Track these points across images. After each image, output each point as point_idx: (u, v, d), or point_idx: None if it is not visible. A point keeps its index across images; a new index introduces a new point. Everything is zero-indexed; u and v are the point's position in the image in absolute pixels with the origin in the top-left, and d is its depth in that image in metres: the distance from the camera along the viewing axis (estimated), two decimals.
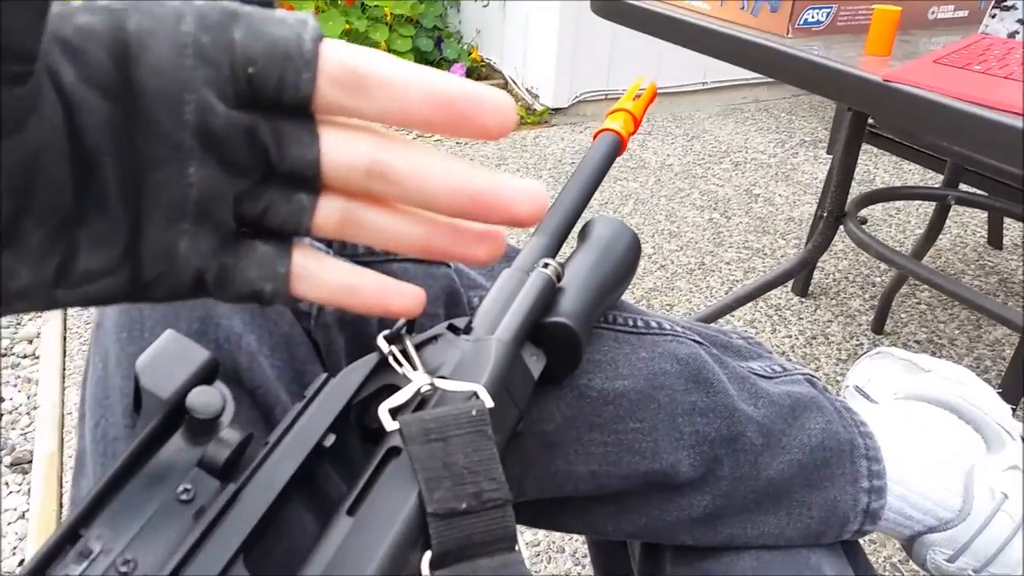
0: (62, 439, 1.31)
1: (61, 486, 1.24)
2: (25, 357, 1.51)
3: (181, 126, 0.24)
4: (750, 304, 1.73)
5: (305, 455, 0.33)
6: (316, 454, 0.33)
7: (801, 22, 0.87)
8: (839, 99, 1.05)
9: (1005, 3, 0.86)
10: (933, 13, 0.96)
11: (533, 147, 2.56)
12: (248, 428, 0.33)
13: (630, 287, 1.83)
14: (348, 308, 0.28)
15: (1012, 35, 0.85)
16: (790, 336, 1.66)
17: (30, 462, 1.27)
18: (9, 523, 1.18)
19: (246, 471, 0.31)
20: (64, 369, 1.46)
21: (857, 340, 1.65)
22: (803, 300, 1.79)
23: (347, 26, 2.63)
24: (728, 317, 1.69)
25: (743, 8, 0.90)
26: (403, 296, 0.28)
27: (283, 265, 0.27)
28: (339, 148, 0.25)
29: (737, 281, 1.85)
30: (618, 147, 0.54)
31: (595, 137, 0.55)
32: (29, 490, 1.23)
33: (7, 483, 1.24)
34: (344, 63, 0.24)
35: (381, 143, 0.26)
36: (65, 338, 1.54)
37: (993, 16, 0.86)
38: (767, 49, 0.85)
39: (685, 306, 1.75)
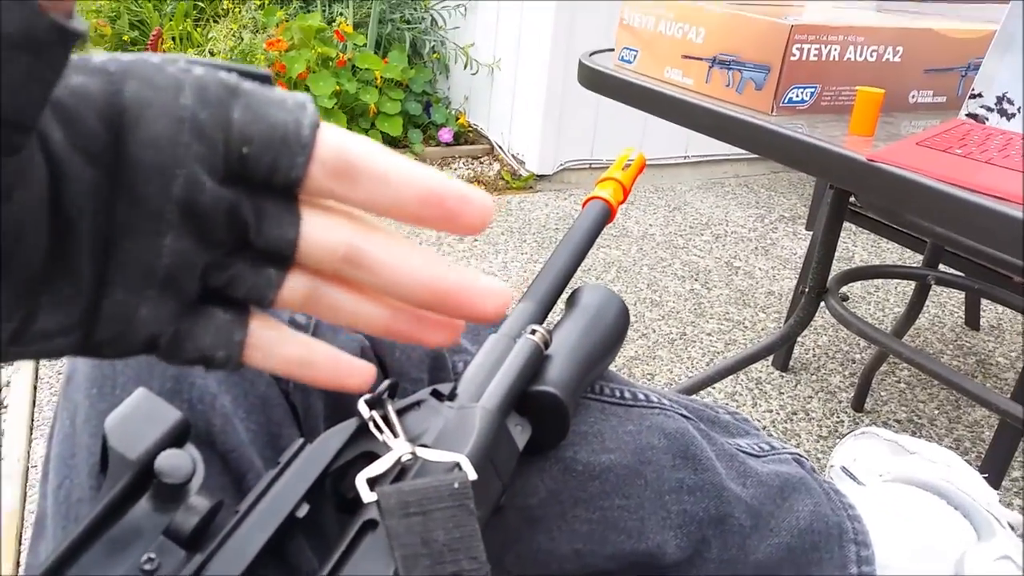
0: (25, 495, 1.26)
1: (20, 544, 1.18)
2: None
3: (167, 199, 0.23)
4: (731, 377, 1.72)
5: (277, 526, 0.31)
6: (288, 525, 0.32)
7: (785, 101, 0.89)
8: (824, 177, 1.07)
9: (974, 92, 0.89)
10: (914, 97, 0.99)
11: (518, 211, 2.58)
12: (219, 494, 0.32)
13: None
14: (301, 381, 0.28)
15: (981, 119, 0.88)
16: (771, 411, 1.65)
17: None
18: None
19: (214, 541, 0.29)
20: (32, 420, 1.42)
21: (837, 417, 1.64)
22: (783, 375, 1.78)
23: (337, 87, 2.67)
24: (709, 389, 1.68)
25: (728, 85, 0.92)
26: (356, 374, 0.28)
27: (239, 334, 0.26)
28: (320, 232, 0.25)
29: (718, 353, 1.85)
30: (607, 215, 0.54)
31: (584, 204, 0.54)
32: None
33: None
34: (339, 152, 0.24)
35: (362, 231, 0.26)
36: (36, 388, 1.50)
37: (969, 102, 0.89)
38: (753, 126, 0.87)
39: (666, 376, 1.74)
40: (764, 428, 1.59)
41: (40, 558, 0.38)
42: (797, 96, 0.90)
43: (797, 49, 0.87)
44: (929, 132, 0.85)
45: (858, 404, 1.67)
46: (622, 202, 0.56)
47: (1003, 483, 1.46)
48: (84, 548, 0.27)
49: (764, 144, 0.86)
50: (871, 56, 0.93)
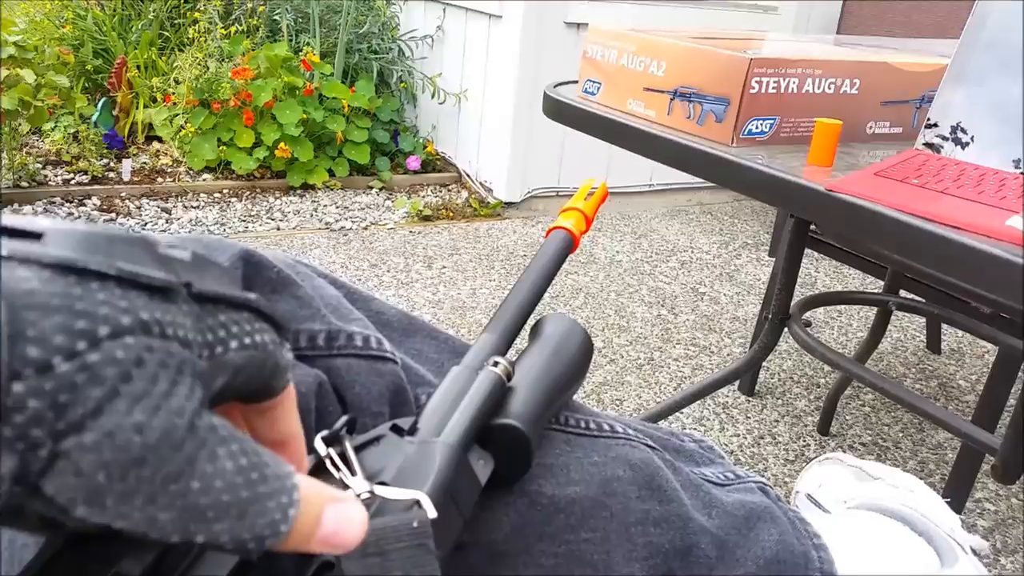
0: None
1: None
2: None
3: None
4: (698, 402, 1.73)
5: (231, 568, 0.30)
6: (244, 569, 0.31)
7: (745, 132, 0.90)
8: (784, 207, 1.09)
9: (929, 122, 0.91)
10: (871, 128, 1.01)
11: (486, 239, 2.59)
12: None
13: None
14: None
15: (936, 148, 0.90)
16: (738, 435, 1.66)
17: None
18: None
19: None
20: None
21: (804, 441, 1.65)
22: (750, 399, 1.79)
23: (304, 115, 2.66)
24: (677, 415, 1.68)
25: (689, 117, 0.94)
26: None
27: None
28: None
29: (685, 378, 1.86)
30: (570, 245, 0.54)
31: (548, 234, 0.54)
32: None
33: None
34: None
35: None
36: None
37: (925, 132, 0.91)
38: (714, 157, 0.88)
39: (635, 401, 1.74)
40: (731, 452, 1.60)
41: None
42: (757, 128, 0.91)
43: (756, 82, 0.88)
44: (887, 162, 0.87)
45: (824, 428, 1.69)
46: (585, 232, 0.56)
47: (967, 504, 1.48)
48: None
49: (725, 175, 0.87)
50: (829, 88, 0.95)
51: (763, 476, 1.55)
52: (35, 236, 0.22)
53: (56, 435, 0.20)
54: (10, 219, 0.23)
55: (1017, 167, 0.84)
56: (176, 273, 0.24)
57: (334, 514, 0.26)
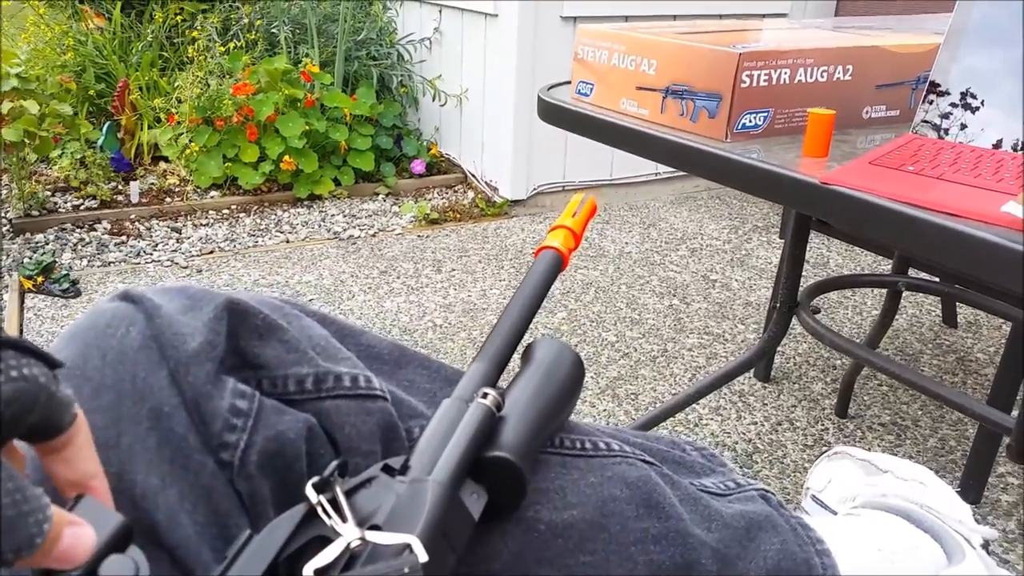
0: None
1: None
2: None
3: None
4: (715, 392, 1.73)
5: None
6: None
7: (739, 127, 0.90)
8: (780, 201, 1.08)
9: (930, 97, 0.90)
10: (867, 113, 1.00)
11: (494, 238, 2.59)
12: None
13: (595, 375, 1.82)
14: None
15: (935, 128, 0.89)
16: (755, 423, 1.65)
17: None
18: None
19: None
20: None
21: (822, 424, 1.65)
22: (766, 385, 1.79)
23: (307, 127, 2.68)
24: (694, 406, 1.68)
25: (682, 114, 0.93)
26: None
27: None
28: None
29: (700, 368, 1.86)
30: (559, 264, 0.54)
31: (536, 254, 0.55)
32: None
33: None
34: None
35: None
36: None
37: (927, 106, 0.90)
38: (708, 154, 0.88)
39: (650, 395, 1.74)
40: (750, 440, 1.59)
41: None
42: (750, 121, 0.91)
43: (747, 76, 0.88)
44: (882, 150, 0.86)
45: (841, 410, 1.68)
46: (574, 248, 0.56)
47: (988, 479, 1.47)
48: None
49: (720, 171, 0.87)
50: (822, 76, 0.94)
51: (782, 462, 1.55)
52: None
53: None
54: None
55: (1016, 148, 0.83)
56: None
57: (70, 533, 0.30)
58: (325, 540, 0.35)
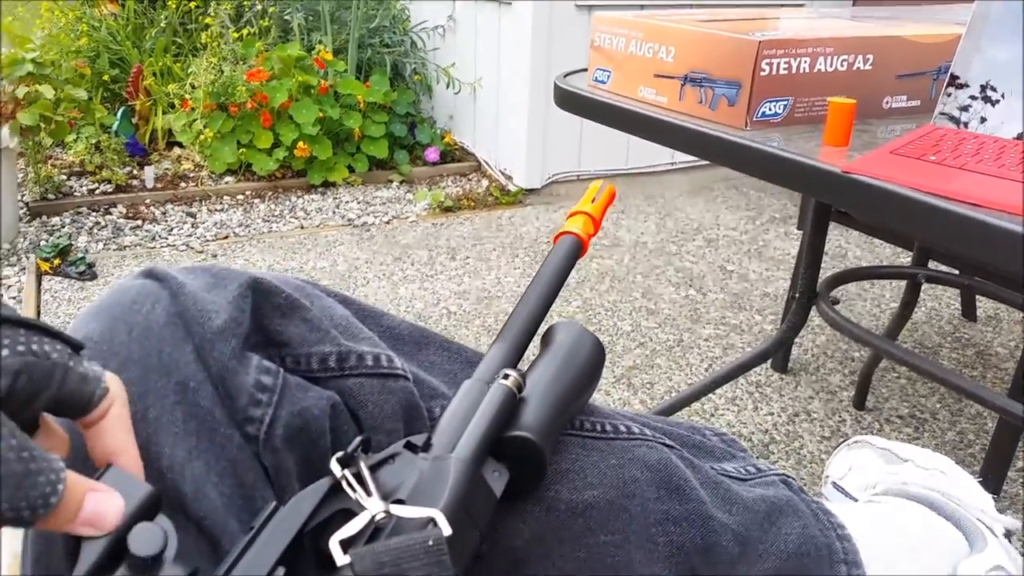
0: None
1: None
2: None
3: None
4: (731, 382, 1.72)
5: None
6: None
7: (759, 115, 0.89)
8: (801, 190, 1.07)
9: (949, 89, 0.89)
10: (887, 103, 0.99)
11: (508, 227, 2.59)
12: (194, 561, 0.32)
13: (610, 363, 1.82)
14: None
15: (954, 120, 0.88)
16: (772, 414, 1.65)
17: None
18: None
19: None
20: None
21: (840, 416, 1.64)
22: (783, 376, 1.78)
23: (320, 114, 2.68)
24: (710, 396, 1.68)
25: (701, 102, 0.93)
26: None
27: None
28: None
29: (716, 358, 1.85)
30: (579, 249, 0.54)
31: (555, 240, 0.54)
32: None
33: None
34: None
35: None
36: None
37: (946, 99, 0.89)
38: (727, 142, 0.87)
39: (666, 384, 1.74)
40: (766, 431, 1.59)
41: None
42: (770, 110, 0.90)
43: (767, 64, 0.87)
44: (903, 139, 0.85)
45: (859, 402, 1.67)
46: (593, 234, 0.56)
47: (1008, 473, 1.45)
48: None
49: (740, 159, 0.87)
50: (842, 66, 0.94)
51: (799, 453, 1.55)
52: None
53: None
54: None
55: None
56: None
57: (94, 500, 0.30)
58: (349, 513, 0.35)
